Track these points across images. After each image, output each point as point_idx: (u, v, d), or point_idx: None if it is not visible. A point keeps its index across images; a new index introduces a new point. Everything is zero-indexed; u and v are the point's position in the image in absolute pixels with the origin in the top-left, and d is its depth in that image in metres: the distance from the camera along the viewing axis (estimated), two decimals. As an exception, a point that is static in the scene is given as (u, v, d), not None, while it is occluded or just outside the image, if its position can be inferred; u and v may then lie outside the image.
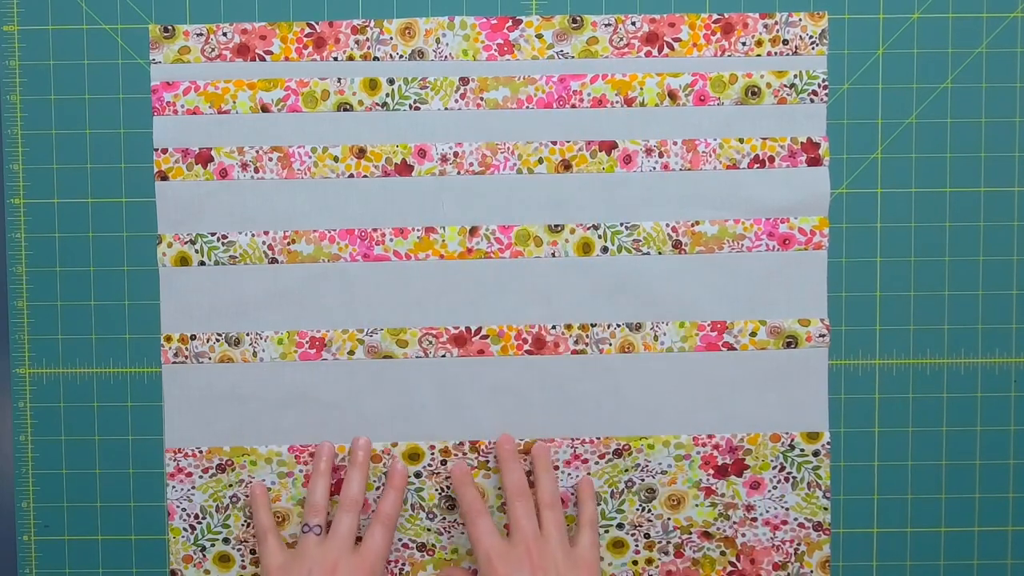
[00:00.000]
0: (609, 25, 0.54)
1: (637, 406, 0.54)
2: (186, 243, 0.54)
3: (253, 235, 0.54)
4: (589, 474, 0.54)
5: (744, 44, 0.54)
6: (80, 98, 0.54)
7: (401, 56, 0.54)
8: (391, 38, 0.54)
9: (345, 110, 0.54)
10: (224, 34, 0.53)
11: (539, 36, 0.54)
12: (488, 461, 0.54)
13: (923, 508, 0.55)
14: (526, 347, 0.54)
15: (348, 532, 0.51)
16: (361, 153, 0.54)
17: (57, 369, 0.55)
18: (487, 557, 0.49)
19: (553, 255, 0.54)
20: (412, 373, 0.54)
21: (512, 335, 0.54)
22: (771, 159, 0.54)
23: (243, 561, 0.55)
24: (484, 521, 0.51)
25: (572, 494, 0.54)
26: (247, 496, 0.54)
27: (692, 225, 0.54)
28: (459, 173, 0.54)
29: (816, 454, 0.55)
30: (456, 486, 0.53)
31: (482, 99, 0.54)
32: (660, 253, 0.54)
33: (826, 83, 0.54)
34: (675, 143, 0.54)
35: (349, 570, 0.49)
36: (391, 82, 0.54)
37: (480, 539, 0.50)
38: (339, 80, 0.54)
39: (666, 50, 0.54)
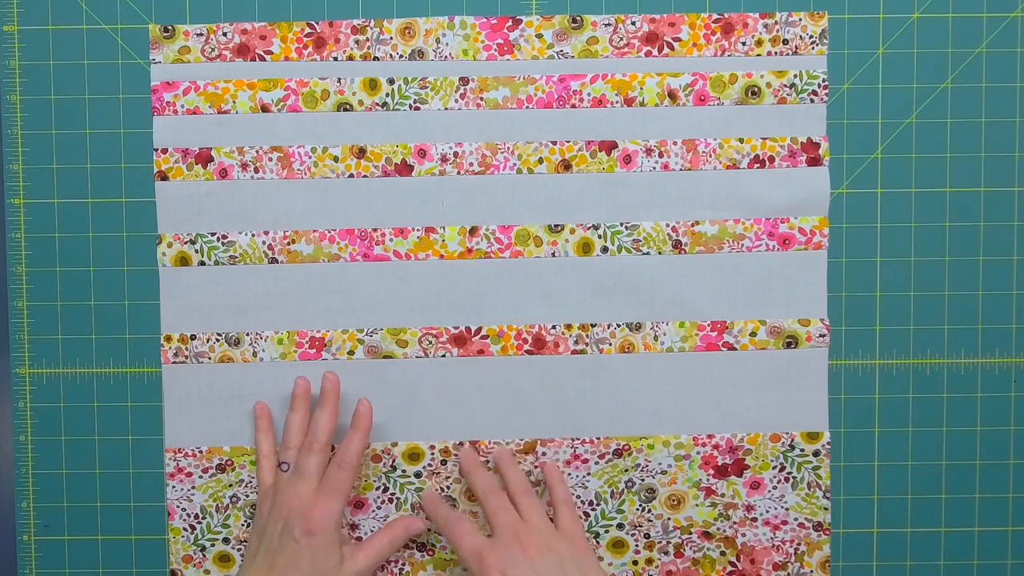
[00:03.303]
0: (609, 25, 0.54)
1: (637, 406, 0.54)
2: (186, 243, 0.54)
3: (253, 235, 0.54)
4: (590, 474, 0.54)
5: (744, 44, 0.54)
6: (80, 98, 0.54)
7: (401, 56, 0.54)
8: (391, 38, 0.54)
9: (345, 110, 0.54)
10: (224, 34, 0.53)
11: (539, 36, 0.54)
12: (488, 461, 0.54)
13: (923, 508, 0.55)
14: (526, 347, 0.54)
15: (308, 472, 0.50)
16: (361, 153, 0.54)
17: (57, 369, 0.55)
18: (476, 553, 0.48)
19: (553, 255, 0.54)
20: (412, 373, 0.54)
21: (512, 335, 0.54)
22: (771, 159, 0.54)
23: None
24: (463, 525, 0.50)
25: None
26: (246, 497, 0.54)
27: (692, 225, 0.54)
28: (459, 173, 0.54)
29: (816, 454, 0.55)
30: (428, 507, 0.53)
31: (482, 99, 0.54)
32: (660, 253, 0.54)
33: (826, 83, 0.54)
34: (675, 143, 0.54)
35: (303, 511, 0.49)
36: (391, 82, 0.54)
37: (463, 540, 0.49)
38: (339, 80, 0.54)
39: (666, 50, 0.54)
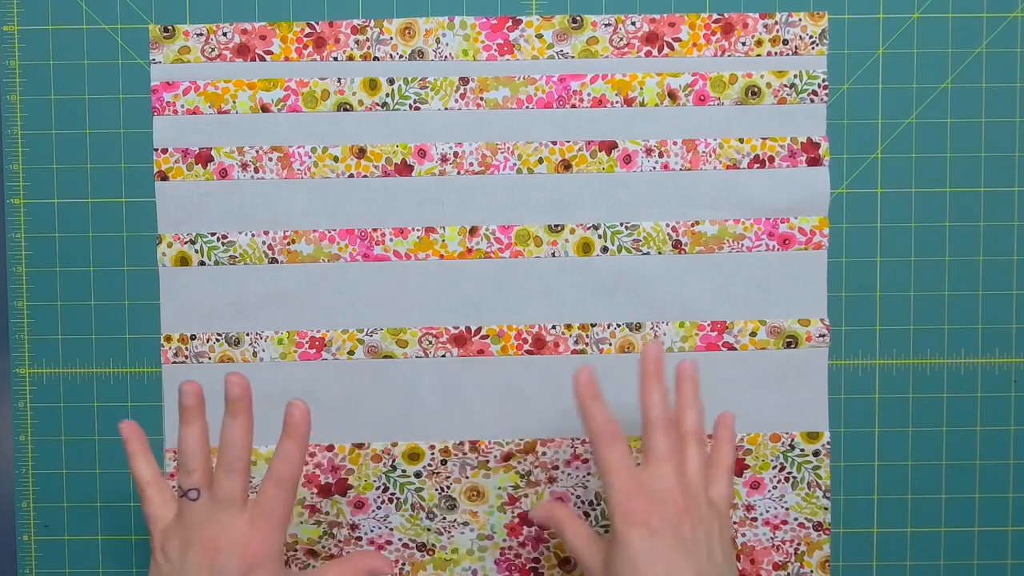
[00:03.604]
0: (609, 25, 0.54)
1: (637, 406, 0.54)
2: (186, 243, 0.54)
3: (253, 235, 0.54)
4: (590, 474, 0.54)
5: (744, 44, 0.54)
6: (80, 98, 0.54)
7: (401, 56, 0.54)
8: (391, 38, 0.54)
9: (345, 110, 0.54)
10: (224, 34, 0.53)
11: (539, 36, 0.54)
12: (488, 461, 0.54)
13: (923, 508, 0.55)
14: (526, 347, 0.54)
15: (230, 496, 0.41)
16: (361, 153, 0.54)
17: (57, 369, 0.55)
18: (626, 491, 0.40)
19: (553, 255, 0.54)
20: (412, 373, 0.54)
21: (512, 335, 0.54)
22: (771, 159, 0.54)
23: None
24: (621, 444, 0.42)
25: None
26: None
27: (692, 225, 0.54)
28: (459, 173, 0.54)
29: (816, 454, 0.55)
30: (584, 402, 0.43)
31: (482, 99, 0.54)
32: (660, 253, 0.54)
33: (826, 83, 0.54)
34: (675, 143, 0.54)
35: (236, 543, 0.40)
36: (391, 82, 0.54)
37: (617, 468, 0.41)
38: (339, 80, 0.54)
39: (666, 50, 0.54)
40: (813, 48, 0.54)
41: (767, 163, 0.54)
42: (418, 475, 0.55)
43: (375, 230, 0.54)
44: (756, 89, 0.54)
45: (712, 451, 0.46)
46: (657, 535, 0.40)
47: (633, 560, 0.39)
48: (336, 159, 0.54)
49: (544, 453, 0.54)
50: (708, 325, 0.54)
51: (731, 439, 0.46)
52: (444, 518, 0.55)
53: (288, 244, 0.54)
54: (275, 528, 0.41)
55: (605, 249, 0.54)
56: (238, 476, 0.42)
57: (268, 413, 0.54)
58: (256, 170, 0.54)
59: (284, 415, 0.43)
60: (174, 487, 0.44)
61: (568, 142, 0.54)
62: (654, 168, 0.54)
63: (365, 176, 0.54)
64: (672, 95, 0.54)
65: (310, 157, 0.54)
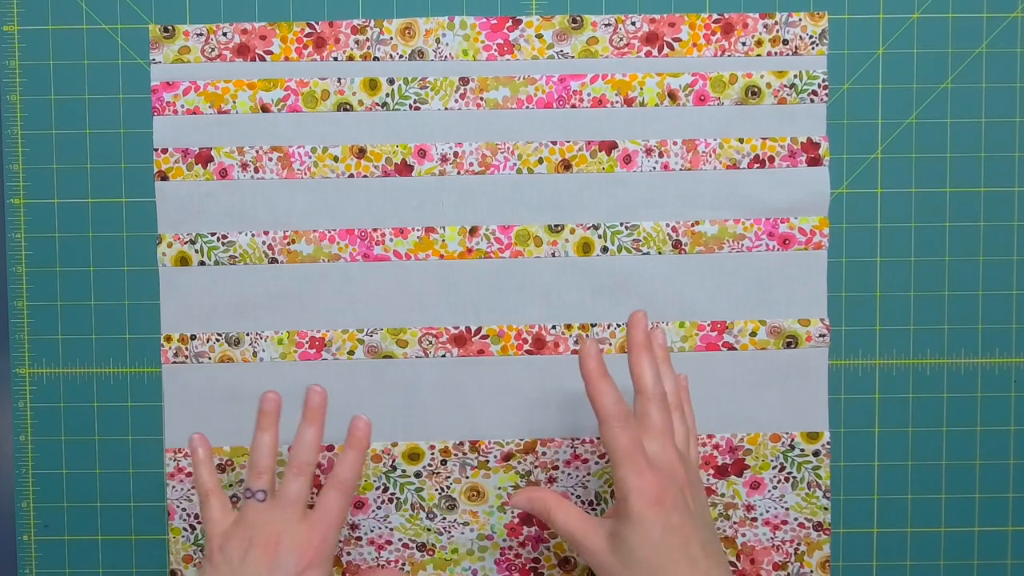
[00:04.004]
0: (609, 25, 0.54)
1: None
2: (186, 243, 0.54)
3: (253, 235, 0.54)
4: (590, 474, 0.54)
5: (744, 44, 0.54)
6: (80, 98, 0.54)
7: (401, 56, 0.54)
8: (391, 38, 0.54)
9: (345, 110, 0.54)
10: (224, 34, 0.53)
11: (539, 36, 0.54)
12: (488, 461, 0.54)
13: (923, 508, 0.55)
14: (526, 347, 0.54)
15: (296, 499, 0.45)
16: (361, 153, 0.54)
17: (57, 369, 0.55)
18: (639, 472, 0.41)
19: (553, 255, 0.54)
20: (412, 373, 0.54)
21: (512, 335, 0.54)
22: (771, 159, 0.54)
23: (243, 561, 0.55)
24: (632, 430, 0.42)
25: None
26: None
27: (692, 225, 0.54)
28: (459, 173, 0.54)
29: (816, 454, 0.55)
30: (592, 378, 0.43)
31: (482, 99, 0.54)
32: (660, 253, 0.54)
33: (826, 83, 0.54)
34: (675, 143, 0.54)
35: (296, 543, 0.43)
36: (391, 82, 0.54)
37: (629, 452, 0.41)
38: (339, 80, 0.54)
39: (666, 50, 0.54)
40: (813, 48, 0.54)
41: (767, 163, 0.54)
42: (418, 475, 0.55)
43: (375, 230, 0.54)
44: (756, 89, 0.54)
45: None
46: (671, 510, 0.40)
47: (651, 537, 0.40)
48: (336, 159, 0.54)
49: (544, 453, 0.54)
50: (708, 325, 0.54)
51: (688, 400, 0.48)
52: (444, 518, 0.55)
53: (288, 244, 0.54)
54: (332, 530, 0.44)
55: (605, 249, 0.54)
56: (305, 480, 0.45)
57: (268, 413, 0.54)
58: (256, 170, 0.54)
59: (349, 427, 0.47)
60: (233, 495, 0.47)
61: (568, 142, 0.54)
62: (654, 168, 0.54)
63: (365, 176, 0.54)
64: (672, 95, 0.54)
65: (310, 157, 0.54)
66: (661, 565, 0.40)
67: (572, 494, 0.54)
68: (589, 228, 0.54)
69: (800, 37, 0.54)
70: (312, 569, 0.43)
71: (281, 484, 0.46)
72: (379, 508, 0.55)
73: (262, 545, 0.43)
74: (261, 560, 0.43)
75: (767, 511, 0.55)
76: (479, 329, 0.54)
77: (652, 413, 0.43)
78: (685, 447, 0.45)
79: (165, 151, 0.54)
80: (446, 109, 0.54)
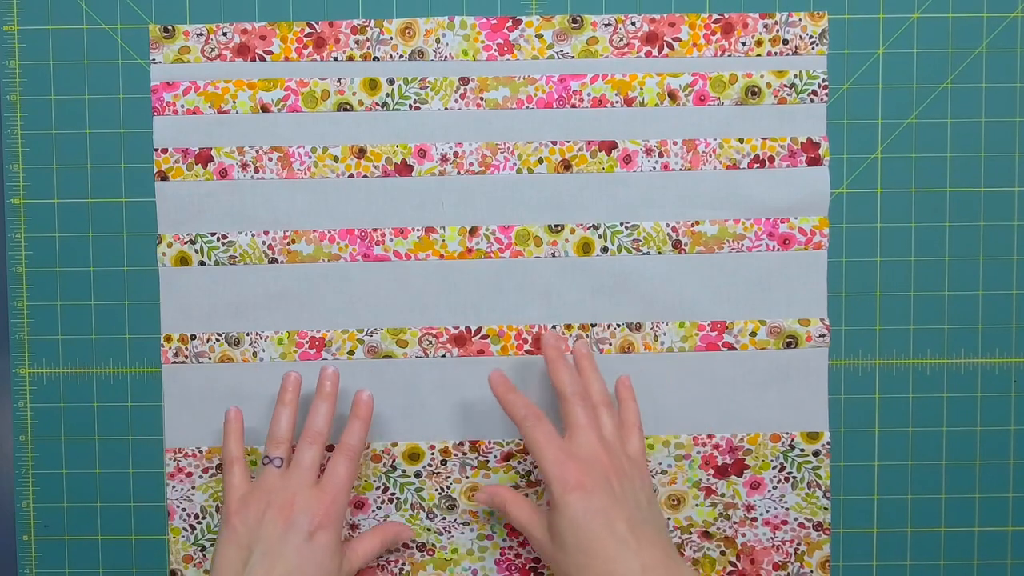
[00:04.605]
0: (609, 25, 0.54)
1: (642, 404, 0.54)
2: (186, 243, 0.54)
3: (253, 235, 0.54)
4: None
5: (744, 44, 0.54)
6: (80, 98, 0.54)
7: (401, 56, 0.54)
8: (391, 38, 0.54)
9: (345, 110, 0.54)
10: (224, 34, 0.53)
11: (539, 36, 0.54)
12: (488, 460, 0.54)
13: (923, 508, 0.55)
14: (526, 347, 0.54)
15: (310, 465, 0.49)
16: (361, 153, 0.54)
17: (57, 369, 0.55)
18: (558, 461, 0.45)
19: (553, 255, 0.54)
20: (412, 373, 0.54)
21: (512, 335, 0.54)
22: (771, 159, 0.54)
23: (243, 561, 0.55)
24: (545, 425, 0.47)
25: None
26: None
27: (692, 225, 0.54)
28: (459, 173, 0.54)
29: (816, 454, 0.55)
30: (501, 395, 0.49)
31: (482, 99, 0.54)
32: (660, 253, 0.54)
33: (826, 83, 0.54)
34: (675, 143, 0.54)
35: (309, 504, 0.47)
36: (391, 82, 0.54)
37: (547, 444, 0.46)
38: (339, 80, 0.54)
39: (666, 50, 0.54)
40: (813, 48, 0.54)
41: (767, 163, 0.54)
42: (418, 475, 0.55)
43: (375, 230, 0.54)
44: (756, 89, 0.54)
45: (620, 412, 0.51)
46: (592, 494, 0.44)
47: (575, 520, 0.44)
48: (336, 159, 0.54)
49: (544, 453, 0.54)
50: (708, 325, 0.54)
51: (633, 397, 0.52)
52: (444, 518, 0.55)
53: (288, 244, 0.54)
54: (341, 493, 0.49)
55: (605, 249, 0.54)
56: (317, 448, 0.49)
57: (267, 414, 0.54)
58: (256, 170, 0.54)
59: (353, 400, 0.51)
60: (261, 460, 0.51)
61: (568, 142, 0.54)
62: (654, 168, 0.54)
63: (365, 176, 0.54)
64: (672, 95, 0.54)
65: (310, 157, 0.54)
66: (588, 545, 0.43)
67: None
68: (589, 228, 0.54)
69: (800, 37, 0.54)
70: (323, 528, 0.47)
71: (296, 453, 0.50)
72: (379, 508, 0.55)
73: (278, 507, 0.47)
74: (277, 520, 0.47)
75: (767, 511, 0.55)
76: (479, 329, 0.54)
77: (574, 411, 0.48)
78: (615, 438, 0.48)
79: (165, 151, 0.54)
80: (446, 109, 0.54)
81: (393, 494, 0.55)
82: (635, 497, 0.46)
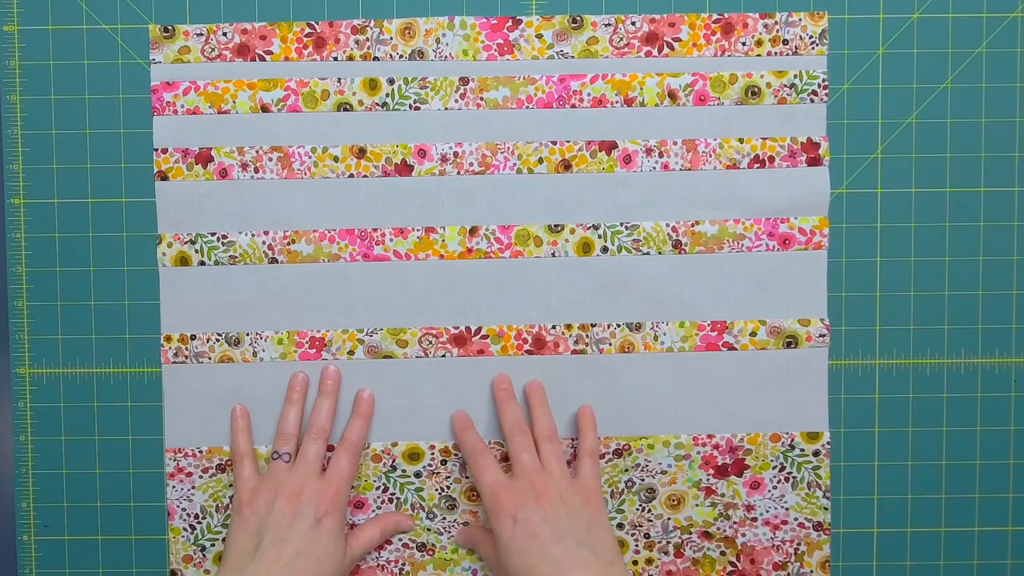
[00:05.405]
0: (609, 25, 0.54)
1: (637, 406, 0.54)
2: (186, 243, 0.54)
3: (253, 235, 0.54)
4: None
5: (744, 44, 0.54)
6: (80, 98, 0.54)
7: (401, 56, 0.54)
8: (391, 38, 0.54)
9: (345, 110, 0.54)
10: (224, 34, 0.53)
11: (539, 36, 0.54)
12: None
13: (923, 508, 0.55)
14: (526, 347, 0.54)
15: (315, 458, 0.52)
16: (361, 153, 0.54)
17: (57, 369, 0.55)
18: (492, 492, 0.49)
19: (553, 255, 0.54)
20: (412, 373, 0.54)
21: (512, 335, 0.54)
22: (771, 159, 0.54)
23: (243, 561, 0.55)
24: (486, 459, 0.51)
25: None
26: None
27: (692, 225, 0.54)
28: (459, 173, 0.54)
29: (816, 454, 0.55)
30: (458, 431, 0.53)
31: (482, 99, 0.54)
32: (660, 253, 0.54)
33: (826, 83, 0.54)
34: (675, 143, 0.54)
35: (314, 494, 0.50)
36: (391, 82, 0.54)
37: (484, 475, 0.50)
38: (339, 80, 0.54)
39: (666, 50, 0.54)
40: (813, 48, 0.54)
41: (767, 163, 0.54)
42: (418, 475, 0.55)
43: (375, 230, 0.54)
44: (756, 89, 0.54)
45: (578, 441, 0.53)
46: (519, 523, 0.48)
47: (509, 546, 0.48)
48: (336, 159, 0.54)
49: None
50: (708, 325, 0.54)
51: (591, 427, 0.54)
52: (444, 518, 0.55)
53: (288, 244, 0.54)
54: (344, 484, 0.52)
55: (605, 249, 0.54)
56: (321, 443, 0.52)
57: (267, 413, 0.54)
58: (256, 170, 0.54)
59: (354, 398, 0.54)
60: (270, 456, 0.54)
61: (568, 142, 0.54)
62: (654, 168, 0.54)
63: (365, 176, 0.54)
64: (672, 95, 0.54)
65: (310, 157, 0.54)
66: (526, 571, 0.47)
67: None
68: (589, 228, 0.54)
69: (800, 37, 0.54)
70: (328, 515, 0.50)
71: (301, 447, 0.52)
72: (379, 508, 0.55)
73: (287, 497, 0.50)
74: (286, 510, 0.50)
75: (767, 511, 0.55)
76: (479, 329, 0.54)
77: (512, 445, 0.51)
78: (557, 468, 0.51)
79: (165, 151, 0.54)
80: (446, 109, 0.54)
81: (393, 494, 0.55)
82: (570, 520, 0.48)
